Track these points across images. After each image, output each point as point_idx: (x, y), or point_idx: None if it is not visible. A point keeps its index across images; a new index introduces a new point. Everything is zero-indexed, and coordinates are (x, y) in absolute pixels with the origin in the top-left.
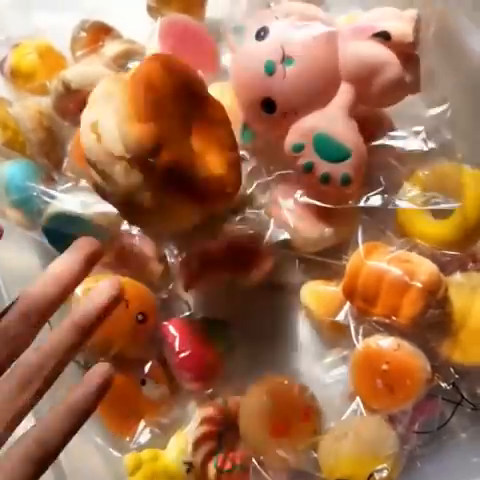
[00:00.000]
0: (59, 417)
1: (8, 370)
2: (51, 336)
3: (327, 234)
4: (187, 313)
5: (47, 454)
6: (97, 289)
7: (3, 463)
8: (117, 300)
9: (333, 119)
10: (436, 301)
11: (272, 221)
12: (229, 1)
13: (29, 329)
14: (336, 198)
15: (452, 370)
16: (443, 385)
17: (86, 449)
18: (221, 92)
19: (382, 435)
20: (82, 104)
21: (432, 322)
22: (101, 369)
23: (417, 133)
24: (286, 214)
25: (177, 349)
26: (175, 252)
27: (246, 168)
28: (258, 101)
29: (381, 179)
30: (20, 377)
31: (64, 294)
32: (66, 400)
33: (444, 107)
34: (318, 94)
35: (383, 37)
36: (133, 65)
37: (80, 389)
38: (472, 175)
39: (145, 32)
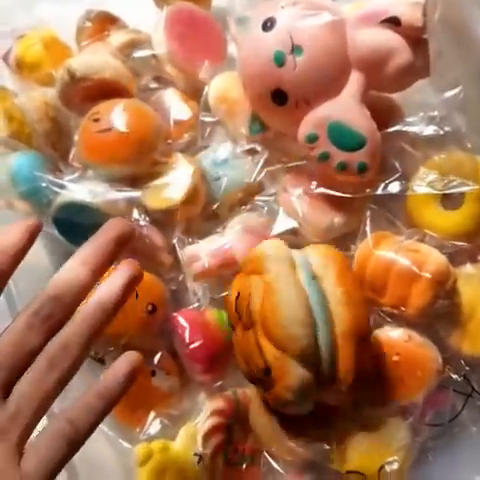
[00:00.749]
0: (90, 400)
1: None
2: (76, 316)
3: (337, 223)
4: (196, 304)
5: (79, 434)
6: (117, 270)
7: (37, 441)
8: (137, 280)
9: (346, 107)
10: (445, 292)
11: (281, 209)
12: None
13: (62, 311)
14: (351, 186)
15: (463, 362)
16: (454, 377)
17: (96, 440)
18: (229, 82)
19: (393, 427)
20: (88, 93)
21: (441, 313)
22: (130, 357)
23: (431, 118)
24: (295, 202)
25: (187, 340)
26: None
27: (257, 160)
28: (268, 93)
29: (397, 165)
30: (49, 357)
31: (94, 276)
32: (97, 385)
33: (456, 91)
34: (329, 83)
35: (392, 23)
36: (138, 54)
37: (111, 374)
38: None
39: (151, 21)
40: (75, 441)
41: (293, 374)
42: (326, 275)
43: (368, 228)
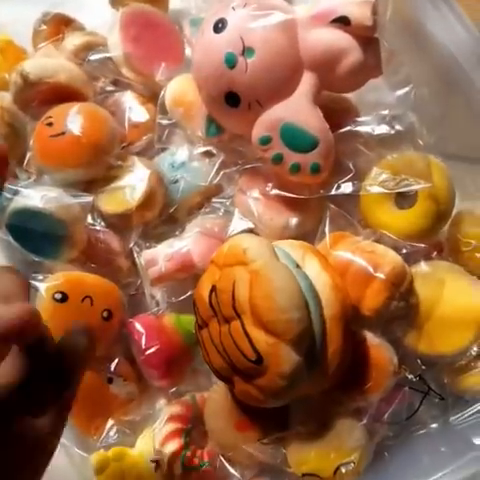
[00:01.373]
0: None
1: None
2: None
3: (292, 223)
4: (155, 309)
5: None
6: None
7: None
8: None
9: (298, 108)
10: (400, 293)
11: (237, 211)
12: None
13: None
14: (306, 187)
15: (419, 361)
16: (410, 377)
17: None
18: (185, 85)
19: (348, 428)
20: (43, 97)
21: (397, 314)
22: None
23: (383, 117)
24: (251, 203)
25: (143, 346)
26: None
27: (213, 162)
28: (221, 95)
29: (350, 165)
30: None
31: None
32: None
33: (407, 89)
34: (281, 84)
35: (342, 22)
36: (94, 57)
37: None
38: (436, 165)
39: (107, 23)
40: None
41: (287, 360)
42: (308, 264)
43: (327, 228)
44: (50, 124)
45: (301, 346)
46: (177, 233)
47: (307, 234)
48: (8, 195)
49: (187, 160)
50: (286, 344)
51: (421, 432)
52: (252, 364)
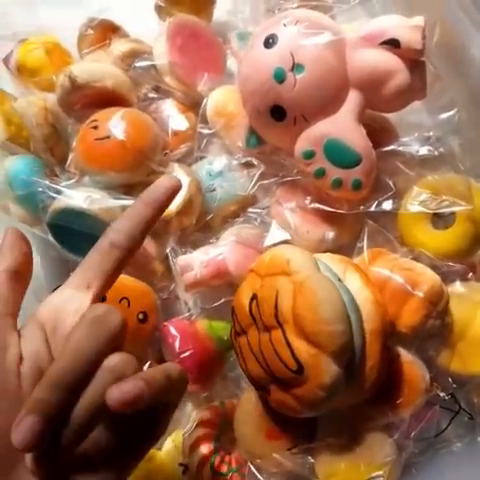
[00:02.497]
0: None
1: None
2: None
3: (329, 237)
4: (187, 314)
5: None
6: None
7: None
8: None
9: (343, 125)
10: (437, 312)
11: (273, 222)
12: (233, 5)
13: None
14: (345, 203)
15: (450, 380)
16: (441, 395)
17: None
18: (227, 96)
19: (379, 442)
20: (88, 100)
21: (432, 332)
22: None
23: (426, 138)
24: (287, 215)
25: (177, 350)
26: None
27: (252, 173)
28: (267, 108)
29: (390, 183)
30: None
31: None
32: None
33: (451, 113)
34: (328, 101)
35: (392, 45)
36: (139, 64)
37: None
38: (476, 188)
39: (152, 32)
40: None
41: (327, 371)
42: (349, 278)
43: (365, 243)
44: (95, 127)
45: (342, 359)
46: (212, 241)
47: (342, 248)
48: (51, 194)
49: (225, 169)
50: (327, 356)
51: (447, 450)
52: (292, 374)
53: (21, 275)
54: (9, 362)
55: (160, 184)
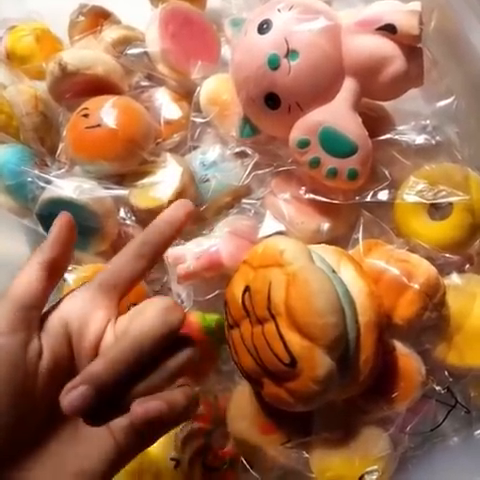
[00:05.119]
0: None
1: None
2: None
3: (323, 228)
4: None
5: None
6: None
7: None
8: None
9: (339, 114)
10: (433, 304)
11: (268, 213)
12: None
13: None
14: (340, 193)
15: (446, 373)
16: (437, 388)
17: None
18: (221, 84)
19: (374, 437)
20: (78, 88)
21: (428, 325)
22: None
23: (423, 127)
24: (282, 206)
25: None
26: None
27: (246, 163)
28: (261, 96)
29: (386, 173)
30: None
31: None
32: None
33: (449, 101)
34: (323, 89)
35: (388, 30)
36: (131, 51)
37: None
38: (473, 177)
39: (144, 18)
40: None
41: (321, 364)
42: (343, 270)
43: (360, 235)
44: (86, 115)
45: (336, 351)
46: (205, 232)
47: (337, 239)
48: (40, 184)
49: (218, 159)
50: (321, 348)
51: (443, 444)
52: (285, 367)
53: (56, 269)
54: (29, 357)
55: (178, 207)
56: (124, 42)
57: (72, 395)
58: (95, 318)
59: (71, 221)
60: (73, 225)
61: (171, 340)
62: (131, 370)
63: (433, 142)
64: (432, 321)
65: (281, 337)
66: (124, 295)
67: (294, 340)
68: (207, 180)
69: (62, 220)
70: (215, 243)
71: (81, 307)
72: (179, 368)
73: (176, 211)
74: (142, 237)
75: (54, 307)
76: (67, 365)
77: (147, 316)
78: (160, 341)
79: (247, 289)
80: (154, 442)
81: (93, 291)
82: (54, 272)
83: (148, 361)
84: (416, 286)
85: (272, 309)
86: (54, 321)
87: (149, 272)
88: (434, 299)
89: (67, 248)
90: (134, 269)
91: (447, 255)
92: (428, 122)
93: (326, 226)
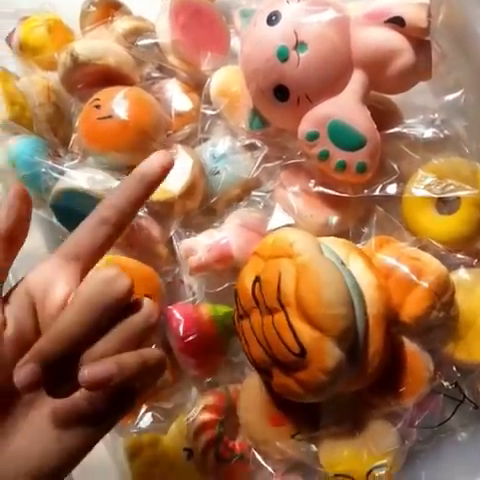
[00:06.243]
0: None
1: None
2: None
3: (332, 221)
4: (191, 298)
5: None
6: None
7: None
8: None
9: (348, 106)
10: (441, 303)
11: (277, 205)
12: None
13: None
14: (349, 186)
15: (454, 368)
16: (445, 384)
17: None
18: (231, 76)
19: (382, 431)
20: (90, 79)
21: (435, 324)
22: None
23: (431, 121)
24: (291, 198)
25: (181, 334)
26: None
27: (256, 155)
28: (270, 88)
29: (395, 167)
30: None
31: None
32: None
33: (457, 94)
34: (332, 81)
35: (396, 23)
36: (142, 42)
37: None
38: None
39: (154, 10)
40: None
41: (330, 355)
42: (352, 262)
43: (373, 230)
44: (98, 106)
45: (345, 342)
46: (216, 224)
47: (344, 233)
48: (54, 175)
49: (228, 152)
50: (330, 339)
51: (451, 439)
52: (295, 357)
53: (13, 240)
54: None
55: (152, 160)
56: (135, 33)
57: (20, 373)
58: (56, 289)
59: (23, 190)
60: (26, 195)
61: (120, 307)
62: (76, 341)
63: (441, 136)
64: (439, 321)
65: (291, 327)
66: (90, 264)
67: (304, 330)
68: (218, 172)
69: (14, 189)
70: (226, 235)
71: (44, 278)
72: (127, 333)
73: (148, 166)
74: (105, 201)
75: (21, 279)
76: (34, 336)
77: (85, 288)
78: (102, 310)
79: (257, 279)
80: (121, 414)
81: (55, 262)
82: (12, 242)
83: (96, 331)
84: (425, 284)
85: (282, 299)
86: (20, 292)
87: (119, 237)
88: (443, 298)
89: (22, 217)
90: (96, 236)
91: (459, 256)
92: (436, 116)
93: (335, 219)
